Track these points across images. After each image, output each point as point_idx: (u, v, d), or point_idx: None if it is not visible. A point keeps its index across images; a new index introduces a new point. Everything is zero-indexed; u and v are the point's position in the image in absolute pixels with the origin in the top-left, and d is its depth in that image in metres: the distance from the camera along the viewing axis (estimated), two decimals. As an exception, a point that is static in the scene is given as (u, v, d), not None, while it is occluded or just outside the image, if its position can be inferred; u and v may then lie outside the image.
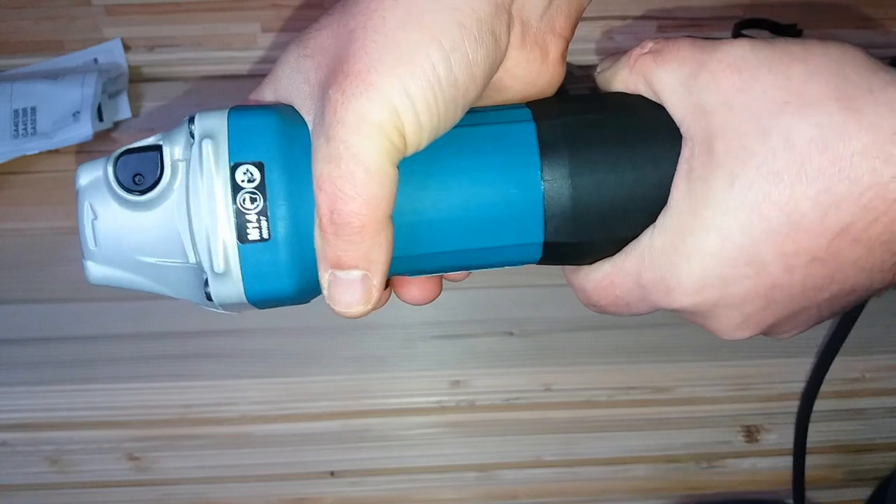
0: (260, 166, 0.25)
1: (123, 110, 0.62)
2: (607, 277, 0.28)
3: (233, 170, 0.25)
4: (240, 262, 0.25)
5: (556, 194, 0.27)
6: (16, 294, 0.58)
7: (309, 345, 0.56)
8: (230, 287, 0.26)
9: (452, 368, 0.57)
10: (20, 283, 0.58)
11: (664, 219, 0.26)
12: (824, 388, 0.56)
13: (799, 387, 0.57)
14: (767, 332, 0.28)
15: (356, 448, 0.56)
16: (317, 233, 0.25)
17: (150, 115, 0.63)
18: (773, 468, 0.57)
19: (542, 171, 0.27)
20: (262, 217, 0.25)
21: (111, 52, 0.64)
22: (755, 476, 0.57)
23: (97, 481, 0.55)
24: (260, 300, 0.27)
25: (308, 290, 0.27)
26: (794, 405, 0.57)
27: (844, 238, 0.24)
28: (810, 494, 0.58)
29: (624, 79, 0.28)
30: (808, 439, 0.57)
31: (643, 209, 0.27)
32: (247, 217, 0.25)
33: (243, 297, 0.26)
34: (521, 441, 0.56)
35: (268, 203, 0.25)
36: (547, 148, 0.27)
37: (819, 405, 0.56)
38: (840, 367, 0.56)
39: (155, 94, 0.64)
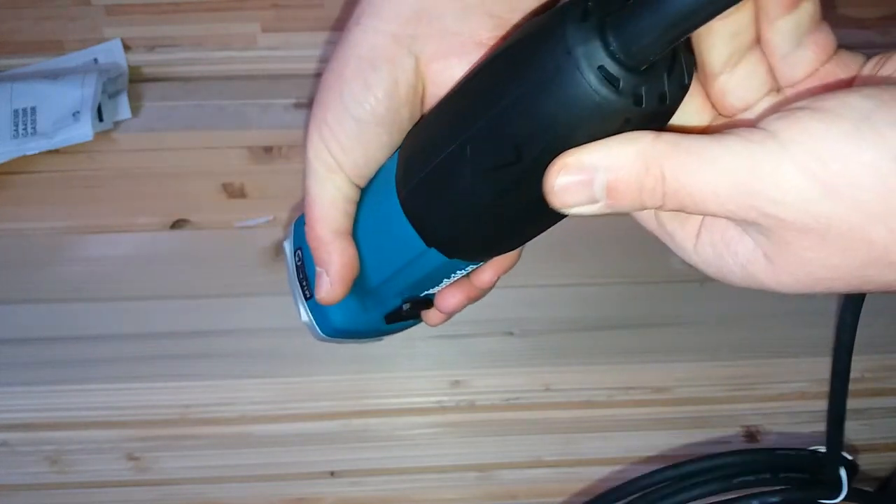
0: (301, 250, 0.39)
1: (123, 110, 0.63)
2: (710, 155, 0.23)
3: (293, 253, 0.39)
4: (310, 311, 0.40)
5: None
6: (16, 294, 0.58)
7: (309, 345, 0.56)
8: (311, 326, 0.41)
9: (452, 368, 0.57)
10: (20, 283, 0.58)
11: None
12: (825, 387, 0.56)
13: (800, 387, 0.57)
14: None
15: (356, 448, 0.56)
16: None
17: (150, 115, 0.63)
18: (773, 468, 0.57)
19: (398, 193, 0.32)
20: (304, 282, 0.39)
21: (111, 52, 0.64)
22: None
23: (97, 481, 0.55)
24: (330, 335, 0.41)
25: (360, 326, 0.40)
26: (794, 405, 0.57)
27: None
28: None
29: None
30: (808, 439, 0.57)
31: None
32: (300, 283, 0.39)
33: (320, 333, 0.41)
34: (521, 441, 0.56)
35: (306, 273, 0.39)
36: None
37: (819, 405, 0.56)
38: (840, 367, 0.56)
39: (155, 94, 0.64)
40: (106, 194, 0.61)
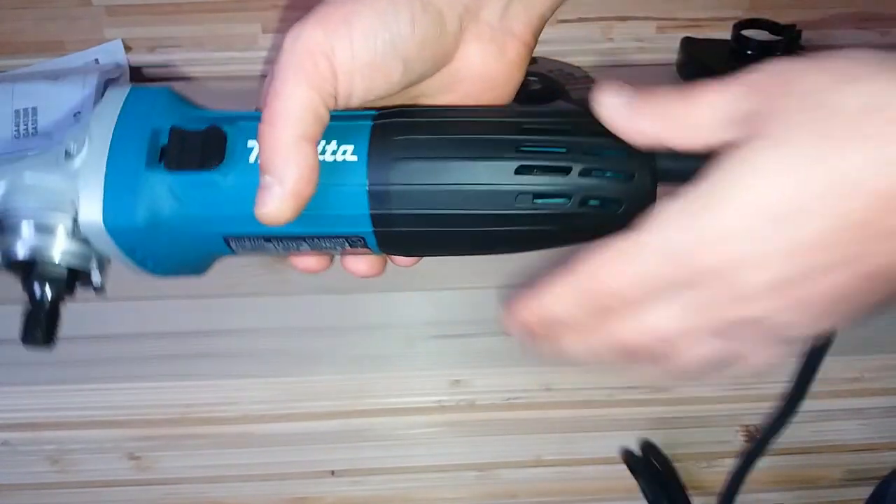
0: None
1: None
2: (624, 251, 0.26)
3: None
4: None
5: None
6: (16, 294, 0.58)
7: (309, 345, 0.56)
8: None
9: (452, 368, 0.57)
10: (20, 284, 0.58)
11: (694, 189, 0.25)
12: (824, 387, 0.56)
13: (798, 386, 0.57)
14: (787, 311, 0.26)
15: (356, 447, 0.56)
16: None
17: (151, 115, 0.63)
18: (773, 468, 0.57)
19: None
20: None
21: (112, 53, 0.64)
22: (755, 476, 0.57)
23: (98, 481, 0.55)
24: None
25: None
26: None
27: (891, 200, 0.23)
28: (809, 494, 0.58)
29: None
30: (807, 439, 0.57)
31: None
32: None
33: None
34: (520, 440, 0.56)
35: None
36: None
37: (818, 405, 0.56)
38: (839, 366, 0.56)
39: (156, 95, 0.64)
40: (107, 194, 0.61)
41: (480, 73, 0.31)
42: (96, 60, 0.63)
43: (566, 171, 0.28)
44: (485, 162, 0.28)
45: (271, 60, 0.65)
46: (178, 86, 0.64)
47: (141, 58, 0.64)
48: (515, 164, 0.28)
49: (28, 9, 0.62)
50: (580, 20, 0.63)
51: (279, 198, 0.28)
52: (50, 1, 0.62)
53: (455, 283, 0.59)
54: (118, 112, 0.30)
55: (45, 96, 0.60)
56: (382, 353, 0.57)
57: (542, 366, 0.57)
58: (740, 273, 0.25)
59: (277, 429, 0.56)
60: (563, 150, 0.28)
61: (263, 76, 0.65)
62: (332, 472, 0.56)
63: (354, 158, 0.29)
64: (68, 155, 0.30)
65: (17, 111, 0.60)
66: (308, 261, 0.33)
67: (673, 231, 0.25)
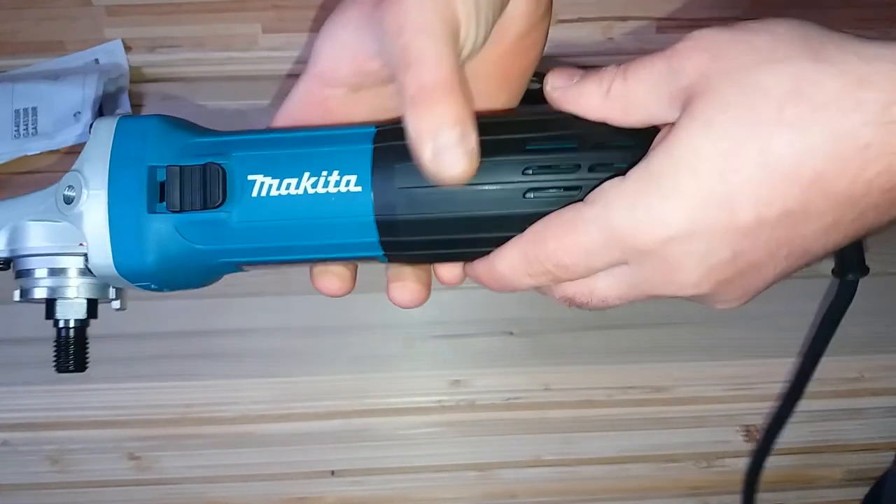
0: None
1: (124, 111, 0.63)
2: (570, 223, 0.27)
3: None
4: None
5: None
6: (17, 294, 0.58)
7: (309, 345, 0.56)
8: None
9: (452, 368, 0.57)
10: (21, 283, 0.58)
11: (637, 170, 0.26)
12: (824, 387, 0.56)
13: (798, 386, 0.57)
14: (715, 293, 0.27)
15: (356, 447, 0.56)
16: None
17: (151, 115, 0.63)
18: (773, 467, 0.57)
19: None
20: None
21: (112, 53, 0.64)
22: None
23: (98, 481, 0.55)
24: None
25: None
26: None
27: (816, 189, 0.24)
28: (809, 494, 0.58)
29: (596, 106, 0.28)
30: (807, 439, 0.57)
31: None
32: None
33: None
34: (520, 440, 0.56)
35: None
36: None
37: (818, 405, 0.56)
38: (839, 366, 0.56)
39: (156, 95, 0.64)
40: (107, 194, 0.61)
41: (519, 30, 0.31)
42: (96, 60, 0.63)
43: (576, 167, 0.28)
44: (492, 163, 0.28)
45: (272, 60, 0.65)
46: (178, 86, 0.64)
47: (141, 58, 0.64)
48: (523, 166, 0.28)
49: (28, 9, 0.62)
50: (580, 20, 0.63)
51: (467, 147, 0.26)
52: (50, 1, 0.62)
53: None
54: (110, 150, 0.30)
55: (45, 96, 0.60)
56: (382, 353, 0.57)
57: (541, 366, 0.57)
58: (673, 257, 0.26)
59: (277, 429, 0.56)
60: (572, 145, 0.28)
61: (263, 76, 0.65)
62: (332, 472, 0.56)
63: (359, 189, 0.29)
64: (68, 200, 0.30)
65: (17, 111, 0.60)
66: (332, 283, 0.32)
67: (615, 210, 0.26)
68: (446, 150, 0.26)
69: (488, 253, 0.29)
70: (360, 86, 0.31)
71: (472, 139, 0.26)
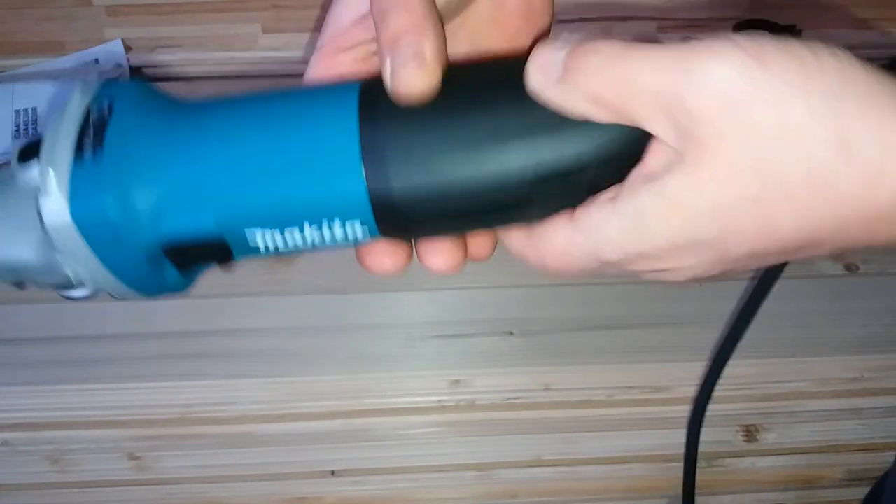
0: None
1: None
2: (563, 248, 0.28)
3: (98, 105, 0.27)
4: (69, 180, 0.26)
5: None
6: (16, 294, 0.58)
7: (309, 345, 0.56)
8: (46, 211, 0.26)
9: (452, 368, 0.57)
10: (21, 283, 0.58)
11: (625, 203, 0.26)
12: (824, 387, 0.56)
13: (798, 387, 0.57)
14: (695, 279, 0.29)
15: (356, 447, 0.56)
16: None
17: (151, 115, 0.63)
18: (773, 467, 0.57)
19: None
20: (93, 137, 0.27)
21: (112, 53, 0.64)
22: (754, 475, 0.57)
23: (98, 481, 0.55)
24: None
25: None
26: (793, 405, 0.57)
27: (811, 247, 0.25)
28: (809, 494, 0.58)
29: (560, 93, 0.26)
30: (807, 439, 0.57)
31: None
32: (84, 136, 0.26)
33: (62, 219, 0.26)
34: (520, 440, 0.57)
35: None
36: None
37: (818, 405, 0.56)
38: (839, 366, 0.56)
39: (156, 95, 0.64)
40: (107, 194, 0.61)
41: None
42: (96, 60, 0.64)
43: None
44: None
45: (272, 60, 0.65)
46: (178, 86, 0.64)
47: (141, 58, 0.64)
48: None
49: (28, 9, 0.62)
50: (580, 20, 0.63)
51: (421, 67, 0.25)
52: (50, 1, 0.62)
53: (455, 283, 0.59)
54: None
55: (45, 96, 0.60)
56: (382, 353, 0.57)
57: (541, 366, 0.57)
58: (659, 276, 0.28)
59: (277, 429, 0.56)
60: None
61: (263, 76, 0.65)
62: (332, 472, 0.56)
63: (365, 229, 0.28)
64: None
65: (17, 111, 0.60)
66: (385, 262, 0.30)
67: (602, 234, 0.27)
68: (405, 64, 0.26)
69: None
70: (369, 52, 0.30)
71: (427, 48, 0.26)
